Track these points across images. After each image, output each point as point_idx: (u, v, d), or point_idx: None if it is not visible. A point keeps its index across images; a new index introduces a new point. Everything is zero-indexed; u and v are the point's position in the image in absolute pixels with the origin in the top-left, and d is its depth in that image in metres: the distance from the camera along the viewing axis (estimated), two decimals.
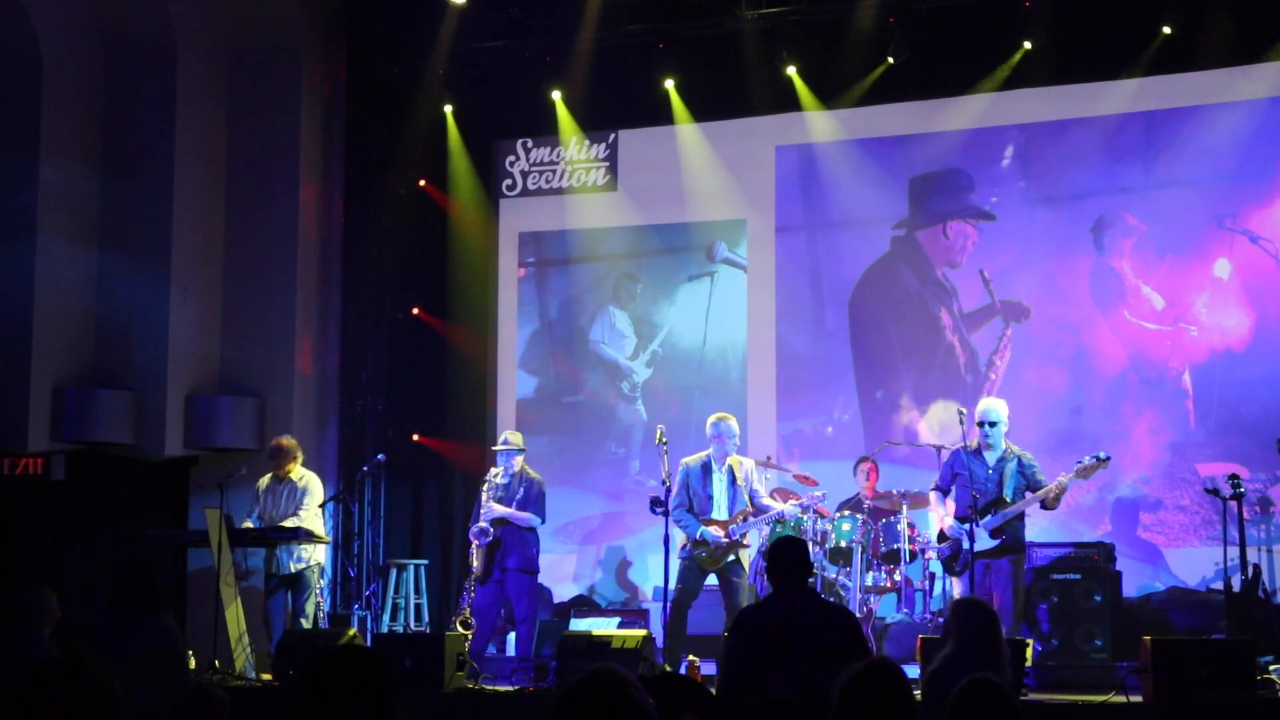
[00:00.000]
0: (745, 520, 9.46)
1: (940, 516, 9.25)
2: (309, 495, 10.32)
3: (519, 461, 10.11)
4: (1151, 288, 11.25)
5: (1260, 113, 10.95)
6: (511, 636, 10.60)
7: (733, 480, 9.52)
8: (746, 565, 9.51)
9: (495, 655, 10.29)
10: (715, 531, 9.39)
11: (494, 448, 10.34)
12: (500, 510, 9.92)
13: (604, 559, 12.41)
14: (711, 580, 9.62)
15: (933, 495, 9.41)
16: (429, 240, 12.92)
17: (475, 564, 10.04)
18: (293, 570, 10.16)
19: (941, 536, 9.24)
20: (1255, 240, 10.94)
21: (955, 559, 9.09)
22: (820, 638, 5.53)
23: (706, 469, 9.56)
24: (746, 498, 9.53)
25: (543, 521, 10.08)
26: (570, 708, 2.87)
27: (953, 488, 9.23)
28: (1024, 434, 10.84)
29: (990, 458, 9.10)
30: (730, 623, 6.31)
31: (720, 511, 9.45)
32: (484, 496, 10.04)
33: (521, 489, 9.98)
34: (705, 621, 9.84)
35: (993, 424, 9.10)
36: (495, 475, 10.12)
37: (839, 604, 6.22)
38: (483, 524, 9.95)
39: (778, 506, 9.64)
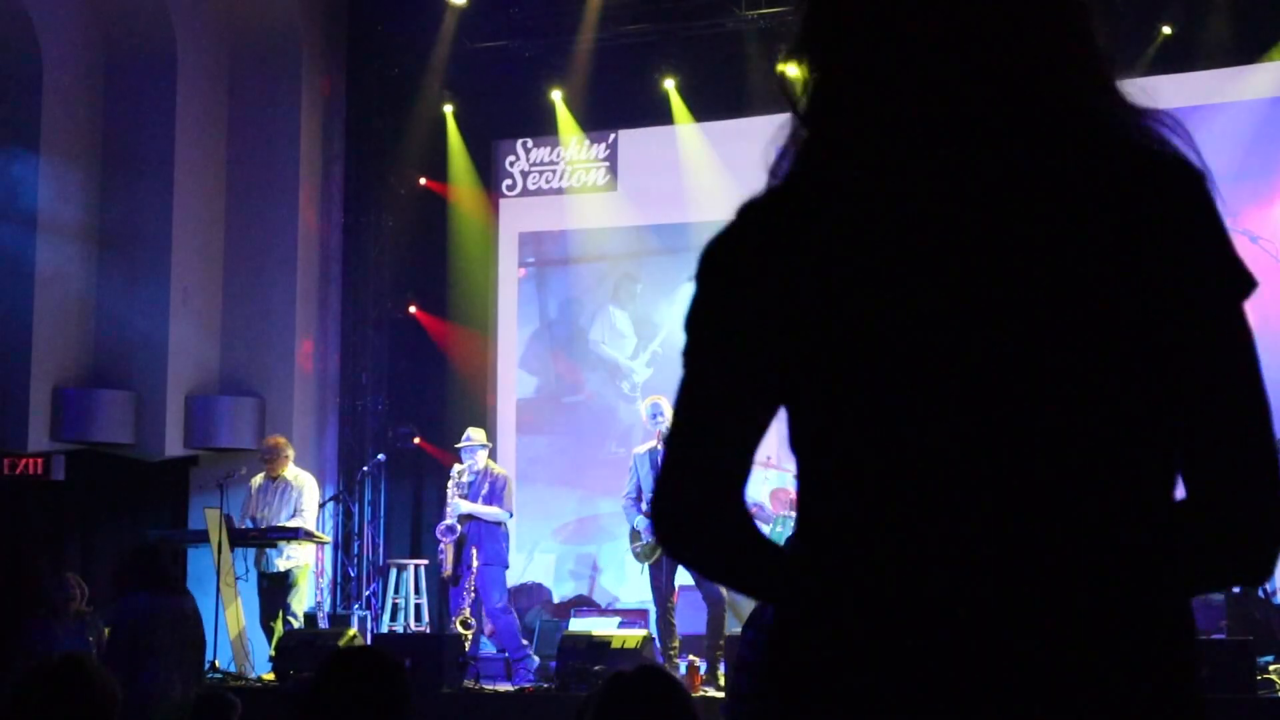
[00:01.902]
0: None
1: None
2: (305, 495, 10.34)
3: (483, 457, 10.17)
4: None
5: (1260, 113, 10.95)
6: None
7: None
8: None
9: (492, 655, 10.28)
10: (644, 520, 9.41)
11: (457, 445, 10.36)
12: (467, 506, 9.97)
13: (604, 559, 12.40)
14: (688, 580, 9.64)
15: None
16: (429, 240, 12.92)
17: (445, 563, 10.07)
18: (279, 569, 10.20)
19: None
20: (1255, 240, 10.93)
21: None
22: None
23: (654, 456, 9.57)
24: None
25: (510, 515, 10.09)
26: (616, 698, 2.88)
27: None
28: None
29: None
30: (748, 617, 6.42)
31: None
32: (450, 494, 10.10)
33: (487, 484, 10.02)
34: (701, 622, 9.83)
35: None
36: (460, 473, 10.16)
37: None
38: (449, 521, 10.02)
39: None
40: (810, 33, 1.45)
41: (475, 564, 9.98)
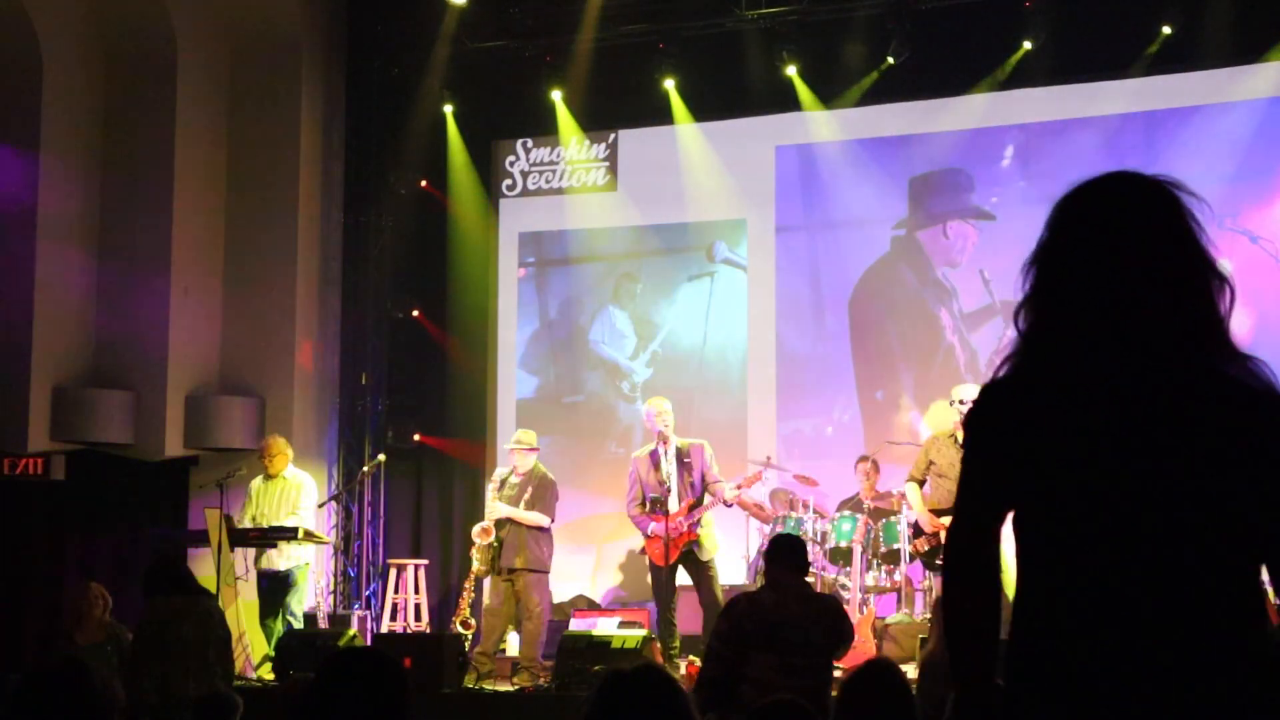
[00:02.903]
0: (689, 512, 9.39)
1: (917, 510, 9.18)
2: (303, 496, 10.35)
3: (531, 460, 9.95)
4: None
5: (1260, 113, 10.95)
6: (513, 636, 10.57)
7: (682, 466, 9.45)
8: (711, 558, 9.48)
9: (498, 656, 10.28)
10: (659, 525, 9.37)
11: (507, 446, 10.24)
12: (505, 510, 9.81)
13: (604, 559, 12.40)
14: (685, 580, 9.63)
15: (907, 487, 9.35)
16: (429, 240, 12.92)
17: (476, 563, 9.99)
18: (279, 568, 10.21)
19: (918, 530, 9.18)
20: (1255, 240, 10.94)
21: (936, 554, 9.06)
22: (807, 632, 5.78)
23: (655, 458, 9.51)
24: (699, 482, 9.45)
25: (550, 520, 9.85)
26: (613, 696, 2.88)
27: (928, 478, 9.19)
28: None
29: None
30: (722, 608, 6.56)
31: (675, 500, 9.40)
32: (489, 495, 9.96)
33: (530, 488, 9.87)
34: (698, 621, 9.84)
35: (963, 401, 9.05)
36: (507, 475, 10.00)
37: (827, 597, 6.36)
38: (485, 523, 9.88)
39: (725, 493, 9.52)
40: (1036, 287, 2.32)
41: (486, 566, 9.89)
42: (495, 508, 9.81)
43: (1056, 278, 2.29)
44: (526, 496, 9.78)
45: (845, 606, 9.32)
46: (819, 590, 9.98)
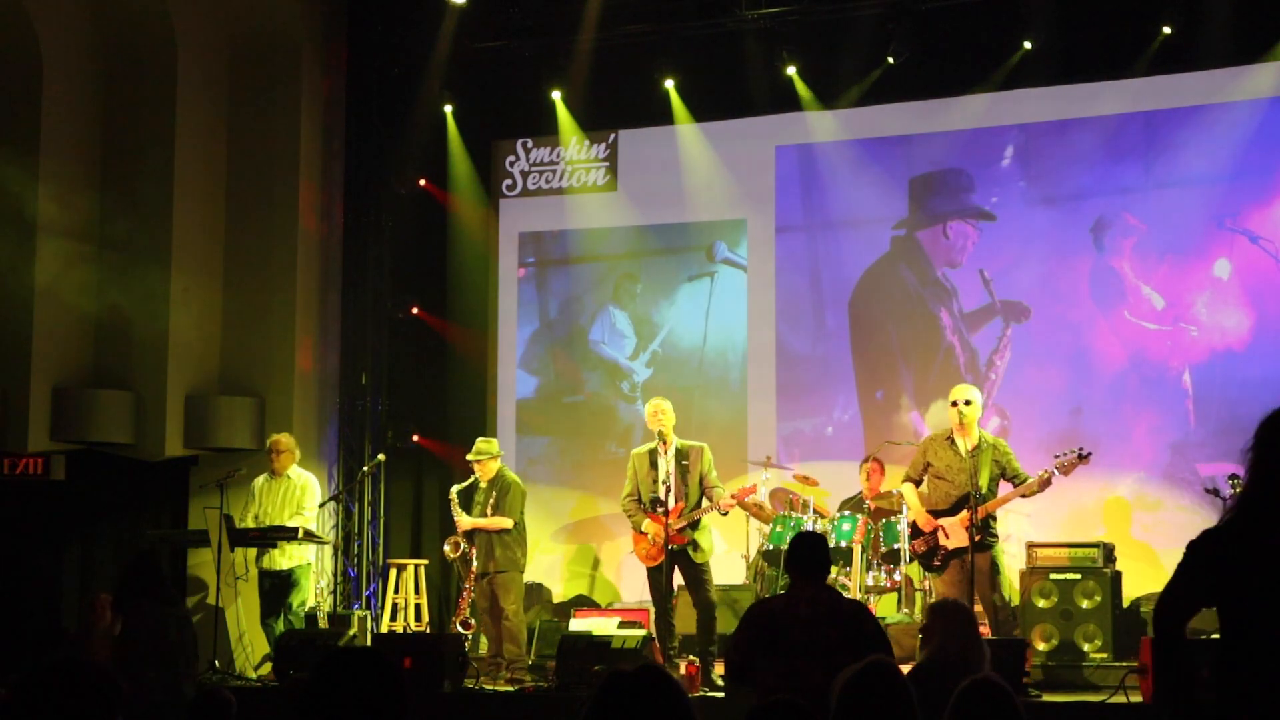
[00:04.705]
0: (680, 514, 9.33)
1: (914, 510, 9.14)
2: (308, 495, 10.36)
3: (494, 467, 10.08)
4: (1151, 288, 11.25)
5: (1260, 113, 10.95)
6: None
7: (682, 468, 9.42)
8: (706, 560, 9.42)
9: (495, 657, 10.29)
10: (653, 526, 9.34)
11: (468, 457, 10.25)
12: (469, 522, 9.99)
13: (604, 559, 12.41)
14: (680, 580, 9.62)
15: (903, 487, 9.31)
16: (429, 240, 12.92)
17: (475, 564, 10.06)
18: (281, 567, 10.24)
19: (916, 531, 9.14)
20: (1255, 240, 10.94)
21: (934, 555, 9.02)
22: (814, 634, 5.68)
23: (653, 457, 9.49)
24: (696, 484, 9.41)
25: (514, 521, 9.95)
26: (614, 697, 2.88)
27: (925, 479, 9.15)
28: (1024, 434, 10.85)
29: (964, 446, 8.98)
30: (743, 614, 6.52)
31: (672, 499, 9.35)
32: (453, 510, 10.09)
33: (495, 493, 9.97)
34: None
35: (967, 402, 8.99)
36: (469, 484, 10.12)
37: (847, 601, 6.19)
38: (455, 537, 10.07)
39: (721, 504, 9.44)
40: (1250, 471, 3.63)
41: (476, 568, 9.97)
42: (462, 521, 9.97)
43: (1264, 466, 3.58)
44: (492, 501, 9.94)
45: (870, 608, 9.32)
46: None
